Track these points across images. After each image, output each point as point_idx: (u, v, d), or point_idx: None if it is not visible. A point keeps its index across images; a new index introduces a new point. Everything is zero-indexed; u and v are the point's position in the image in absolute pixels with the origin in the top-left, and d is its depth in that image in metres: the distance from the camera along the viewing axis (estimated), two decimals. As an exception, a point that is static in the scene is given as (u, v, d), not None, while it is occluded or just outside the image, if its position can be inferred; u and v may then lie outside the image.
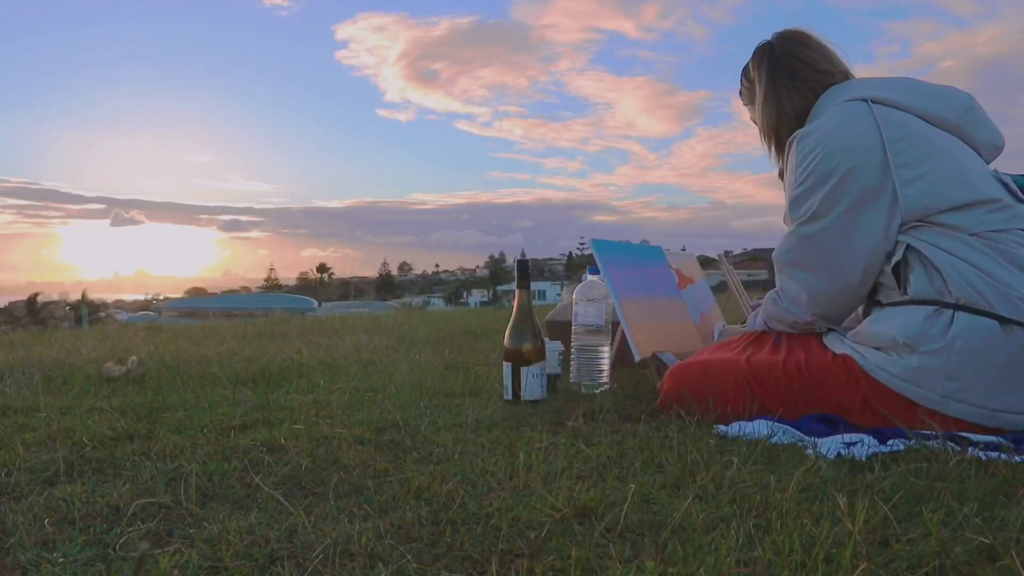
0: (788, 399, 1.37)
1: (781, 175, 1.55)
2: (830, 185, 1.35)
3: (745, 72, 1.66)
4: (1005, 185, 1.36)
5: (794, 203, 1.41)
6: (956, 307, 1.23)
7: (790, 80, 1.53)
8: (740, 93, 1.71)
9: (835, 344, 1.39)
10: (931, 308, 1.25)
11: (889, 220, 1.32)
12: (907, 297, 1.30)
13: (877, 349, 1.30)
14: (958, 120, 1.39)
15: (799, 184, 1.40)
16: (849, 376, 1.32)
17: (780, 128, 1.55)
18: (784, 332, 1.53)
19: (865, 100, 1.39)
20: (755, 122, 1.66)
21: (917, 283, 1.29)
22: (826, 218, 1.36)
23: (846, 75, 1.53)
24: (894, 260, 1.32)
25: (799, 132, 1.43)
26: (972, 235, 1.27)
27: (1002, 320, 1.19)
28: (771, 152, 1.62)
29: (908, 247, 1.31)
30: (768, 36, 1.62)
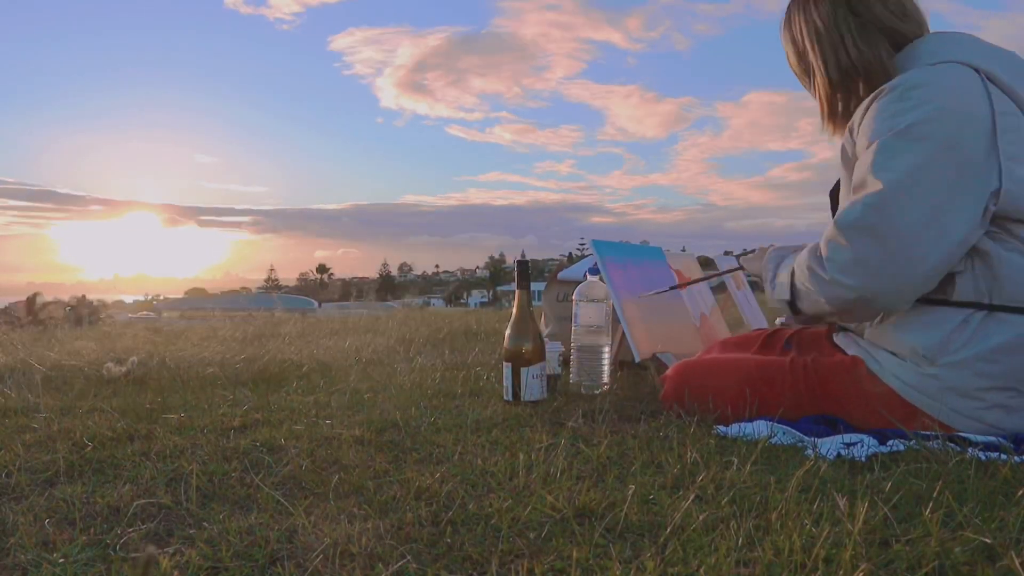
0: (794, 399, 1.35)
1: (844, 152, 1.32)
2: (936, 147, 1.16)
3: (789, 19, 1.43)
4: None
5: (885, 153, 1.19)
6: (992, 307, 1.17)
7: (860, 21, 1.32)
8: (787, 53, 1.45)
9: (847, 345, 1.36)
10: (960, 317, 1.19)
11: (986, 208, 1.17)
12: (941, 296, 1.21)
13: (891, 353, 1.26)
14: None
15: (896, 133, 1.18)
16: (855, 378, 1.30)
17: (846, 83, 1.34)
18: (798, 319, 1.41)
19: (975, 69, 1.22)
20: (807, 86, 1.44)
21: (962, 286, 1.19)
22: (924, 185, 1.16)
23: (921, 26, 1.34)
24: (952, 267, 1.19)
25: (903, 78, 1.22)
26: None
27: None
28: (825, 117, 1.41)
29: (972, 248, 1.19)
30: None
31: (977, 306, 1.19)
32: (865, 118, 1.26)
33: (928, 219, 1.16)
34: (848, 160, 1.31)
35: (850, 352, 1.34)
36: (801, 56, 1.42)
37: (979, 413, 1.19)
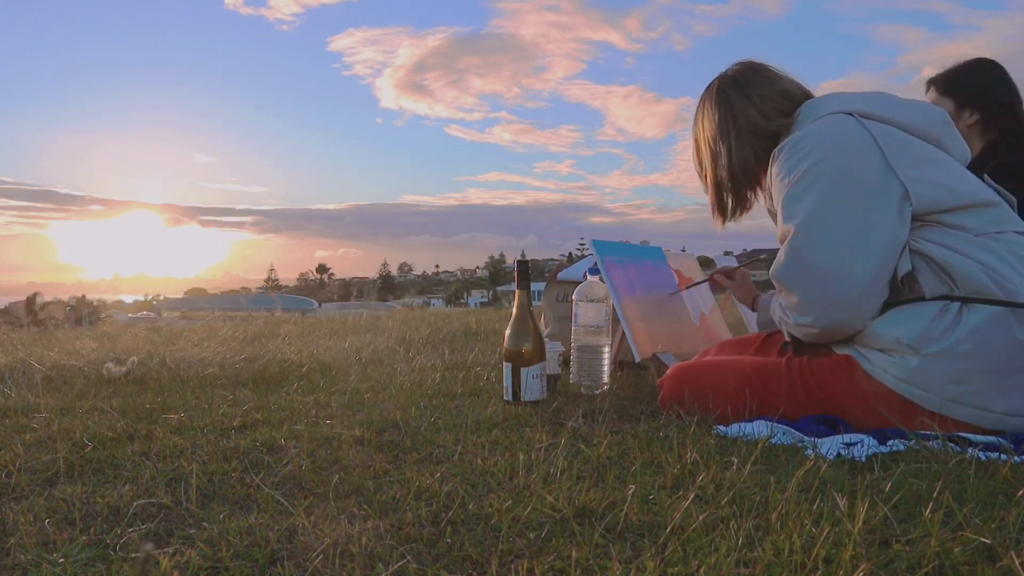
0: (792, 398, 1.37)
1: (770, 212, 1.50)
2: (832, 181, 1.30)
3: (701, 116, 1.61)
4: (995, 189, 1.38)
5: (789, 202, 1.34)
6: (965, 299, 1.22)
7: (761, 103, 1.50)
8: (697, 149, 1.64)
9: (839, 346, 1.38)
10: (938, 306, 1.24)
11: (900, 211, 1.28)
12: (914, 295, 1.28)
13: (880, 351, 1.29)
14: (938, 133, 1.39)
15: (795, 183, 1.34)
16: (852, 376, 1.31)
17: (757, 154, 1.51)
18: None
19: (849, 114, 1.37)
20: (706, 174, 1.62)
21: (927, 283, 1.26)
22: (829, 217, 1.30)
23: (807, 95, 1.53)
24: (902, 272, 1.28)
25: (788, 140, 1.39)
26: (977, 236, 1.27)
27: (1012, 307, 1.19)
28: (714, 210, 1.61)
29: (914, 253, 1.28)
30: (720, 72, 1.60)
31: (950, 298, 1.24)
32: (772, 180, 1.42)
33: (846, 244, 1.28)
34: (773, 217, 1.48)
35: (841, 352, 1.36)
36: (698, 153, 1.64)
37: (973, 398, 1.20)
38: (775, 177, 1.40)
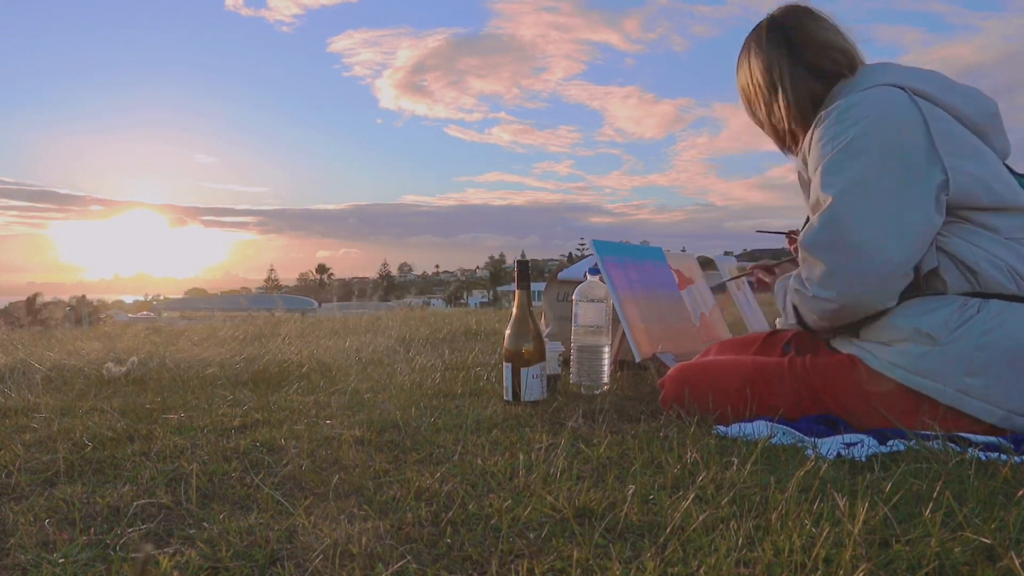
0: (794, 398, 1.36)
1: (801, 178, 1.45)
2: (877, 155, 1.26)
3: (747, 57, 1.52)
4: None
5: (830, 170, 1.29)
6: (986, 295, 1.22)
7: (814, 56, 1.41)
8: (741, 88, 1.56)
9: (842, 345, 1.38)
10: (959, 301, 1.23)
11: (937, 198, 1.25)
12: (931, 290, 1.27)
13: (887, 345, 1.28)
14: (986, 125, 1.35)
15: (839, 151, 1.28)
16: (854, 376, 1.31)
17: (801, 111, 1.43)
18: (802, 330, 1.47)
19: (903, 88, 1.32)
20: (757, 115, 1.54)
21: (952, 280, 1.25)
22: (871, 191, 1.25)
23: (855, 59, 1.44)
24: (927, 267, 1.26)
25: (836, 105, 1.33)
26: (1007, 239, 1.26)
27: None
28: (786, 141, 1.51)
29: (940, 251, 1.26)
30: (771, 11, 1.49)
31: (972, 294, 1.24)
32: (812, 144, 1.37)
33: (883, 220, 1.24)
34: (804, 183, 1.43)
35: (845, 351, 1.35)
36: (749, 98, 1.54)
37: (986, 393, 1.20)
38: (815, 142, 1.35)
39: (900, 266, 1.24)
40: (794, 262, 1.98)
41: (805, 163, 1.41)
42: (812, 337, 1.53)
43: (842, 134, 1.29)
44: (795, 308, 1.40)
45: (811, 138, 1.37)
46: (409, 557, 0.76)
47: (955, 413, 1.22)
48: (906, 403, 1.25)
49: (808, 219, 1.43)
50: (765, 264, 1.94)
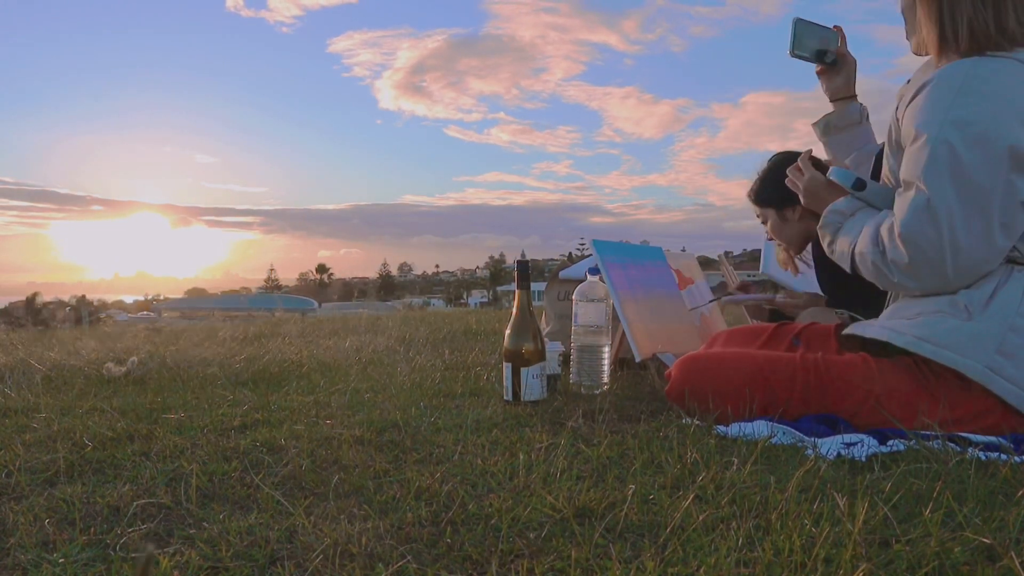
0: (802, 395, 1.35)
1: (890, 134, 1.35)
2: (997, 151, 1.17)
3: None
4: None
5: (935, 155, 1.19)
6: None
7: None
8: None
9: (863, 328, 1.36)
10: (1001, 274, 1.22)
11: None
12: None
13: (913, 319, 1.26)
14: None
15: (951, 124, 1.18)
16: (865, 377, 1.30)
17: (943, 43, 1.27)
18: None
19: None
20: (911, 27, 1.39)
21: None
22: (976, 192, 1.18)
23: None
24: None
25: (960, 69, 1.20)
26: None
27: None
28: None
29: None
30: None
31: (1016, 262, 1.22)
32: (916, 103, 1.25)
33: (993, 218, 1.18)
34: (892, 143, 1.35)
35: (869, 335, 1.34)
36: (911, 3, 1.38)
37: (1015, 373, 1.19)
38: (925, 102, 1.23)
39: (990, 265, 1.23)
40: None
41: (898, 121, 1.31)
42: (821, 332, 1.54)
43: (957, 109, 1.20)
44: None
45: (914, 102, 1.27)
46: (409, 557, 0.76)
47: (980, 403, 1.21)
48: (910, 405, 1.25)
49: (878, 161, 1.36)
50: (744, 284, 2.06)
